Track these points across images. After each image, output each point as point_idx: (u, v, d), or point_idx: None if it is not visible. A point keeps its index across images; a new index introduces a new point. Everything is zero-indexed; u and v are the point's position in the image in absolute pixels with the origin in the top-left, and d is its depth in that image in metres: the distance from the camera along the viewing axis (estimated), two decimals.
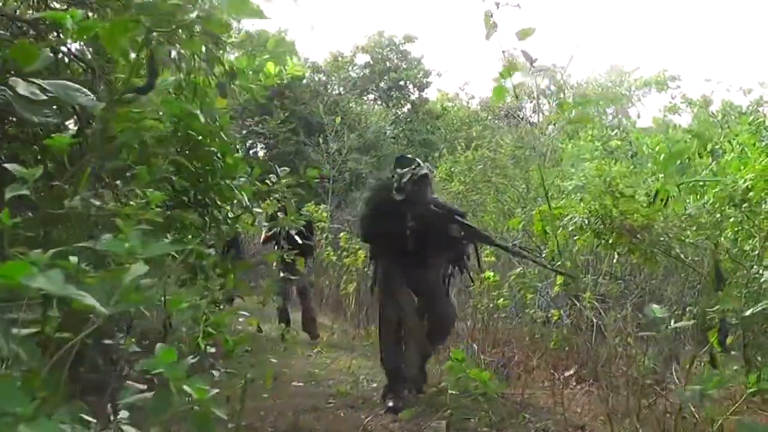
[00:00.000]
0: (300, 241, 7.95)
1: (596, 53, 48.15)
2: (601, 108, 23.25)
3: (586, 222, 4.65)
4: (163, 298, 2.31)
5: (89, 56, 3.10)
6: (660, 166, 1.89)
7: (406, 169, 5.19)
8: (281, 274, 7.66)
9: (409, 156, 5.64)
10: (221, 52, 3.35)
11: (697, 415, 3.58)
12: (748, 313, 2.26)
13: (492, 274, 6.38)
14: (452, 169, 10.42)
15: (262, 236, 9.23)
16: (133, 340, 2.21)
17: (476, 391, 2.96)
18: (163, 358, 1.61)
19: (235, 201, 3.51)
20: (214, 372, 3.10)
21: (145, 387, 1.78)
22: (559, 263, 5.65)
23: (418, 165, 5.25)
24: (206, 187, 3.58)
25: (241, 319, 7.91)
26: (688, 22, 48.65)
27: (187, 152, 3.48)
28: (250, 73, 3.96)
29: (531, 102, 24.68)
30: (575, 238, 5.11)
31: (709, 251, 4.67)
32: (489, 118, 24.50)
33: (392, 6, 52.53)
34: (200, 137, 3.45)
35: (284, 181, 3.66)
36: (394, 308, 5.34)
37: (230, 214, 3.63)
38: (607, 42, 47.23)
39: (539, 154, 15.79)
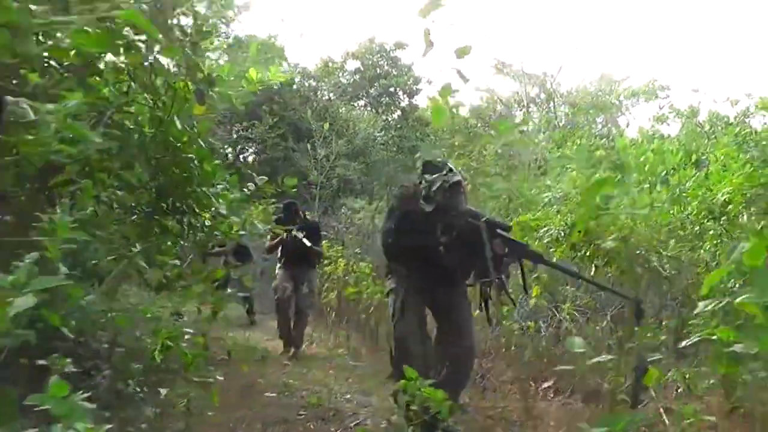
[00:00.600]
0: (308, 245, 8.00)
1: (587, 62, 48.29)
2: (591, 117, 23.29)
3: (562, 234, 4.63)
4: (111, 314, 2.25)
5: None
6: (582, 197, 1.80)
7: (436, 176, 4.54)
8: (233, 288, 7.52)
9: (439, 160, 4.92)
10: (200, 58, 3.33)
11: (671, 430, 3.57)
12: (683, 344, 2.17)
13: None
14: None
15: (267, 244, 8.95)
16: (68, 360, 2.08)
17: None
18: (53, 392, 1.53)
19: (212, 209, 3.49)
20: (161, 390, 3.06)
21: None
22: (536, 276, 5.50)
23: (450, 170, 4.58)
24: (184, 194, 3.56)
25: (231, 334, 7.96)
26: (677, 32, 48.87)
27: (166, 158, 3.48)
28: (232, 79, 3.95)
29: (521, 110, 24.84)
30: (551, 250, 5.05)
31: (687, 264, 4.68)
32: (479, 125, 24.54)
33: (383, 13, 52.67)
34: (178, 144, 3.45)
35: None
36: (410, 327, 4.58)
37: (207, 222, 3.60)
38: (598, 51, 47.39)
39: (529, 162, 15.85)
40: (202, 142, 3.48)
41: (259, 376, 6.26)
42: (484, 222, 4.21)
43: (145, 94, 3.14)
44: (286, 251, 8.53)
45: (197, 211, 3.64)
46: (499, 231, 4.31)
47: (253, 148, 20.70)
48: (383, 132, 23.46)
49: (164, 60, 3.23)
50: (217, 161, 3.71)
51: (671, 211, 5.64)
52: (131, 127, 3.42)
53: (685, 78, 46.90)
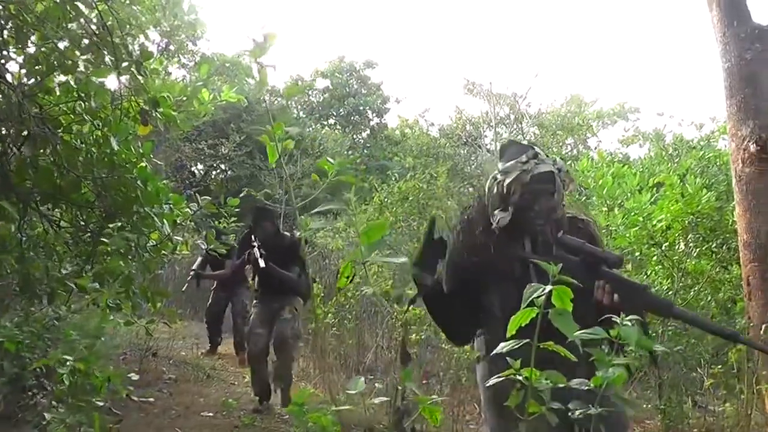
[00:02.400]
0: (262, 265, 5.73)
1: (557, 83, 48.93)
2: (560, 138, 23.44)
3: None
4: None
5: None
6: (363, 239, 1.74)
7: (512, 162, 2.76)
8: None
9: (523, 142, 3.02)
10: (145, 78, 3.35)
11: None
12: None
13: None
14: (386, 199, 10.25)
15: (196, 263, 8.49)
16: None
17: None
18: None
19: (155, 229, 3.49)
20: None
21: None
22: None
23: (536, 155, 2.76)
24: (130, 214, 3.57)
25: (183, 353, 7.88)
26: (647, 55, 49.71)
27: (112, 178, 3.48)
28: (184, 99, 3.96)
29: (490, 130, 25.02)
30: None
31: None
32: (448, 145, 24.68)
33: (353, 32, 53.00)
34: (126, 164, 3.46)
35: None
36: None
37: (151, 242, 3.60)
38: (568, 73, 48.03)
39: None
40: (146, 163, 3.49)
41: (200, 395, 6.14)
42: (577, 249, 2.64)
43: (86, 115, 3.14)
44: (262, 280, 6.30)
45: (144, 231, 3.64)
46: (604, 268, 2.61)
47: (219, 166, 20.65)
48: (351, 151, 23.54)
49: (113, 80, 3.27)
50: (164, 181, 3.72)
51: (626, 235, 5.72)
52: (77, 146, 3.44)
53: (654, 101, 47.70)
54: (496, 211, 2.75)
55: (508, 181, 2.73)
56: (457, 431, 5.20)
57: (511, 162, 2.75)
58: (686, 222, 5.09)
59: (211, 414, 5.58)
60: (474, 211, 2.88)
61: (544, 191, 2.73)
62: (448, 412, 5.14)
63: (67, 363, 3.00)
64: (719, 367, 4.68)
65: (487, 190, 2.84)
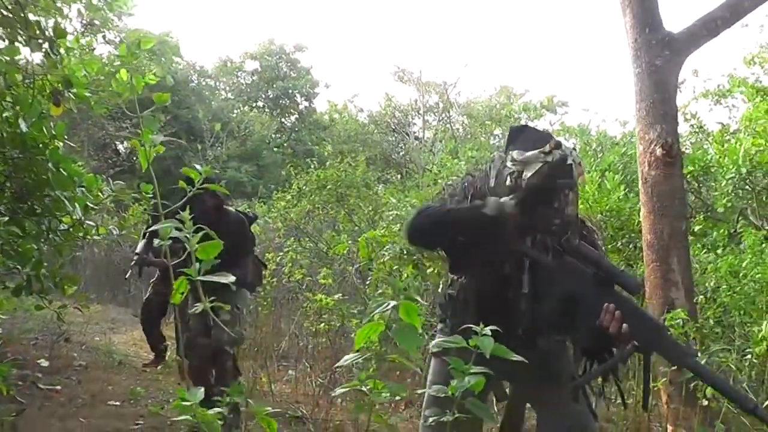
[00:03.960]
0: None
1: (488, 74, 49.44)
2: (488, 129, 23.65)
3: (405, 252, 4.59)
4: None
5: None
6: (200, 254, 1.67)
7: (533, 152, 2.43)
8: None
9: (538, 128, 2.82)
10: (59, 58, 3.25)
11: None
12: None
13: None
14: (304, 186, 10.08)
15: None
16: None
17: None
18: None
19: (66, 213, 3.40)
20: None
21: None
22: (381, 291, 5.02)
23: (559, 145, 2.44)
24: (41, 197, 3.47)
25: (97, 338, 7.70)
26: (576, 52, 50.66)
27: (23, 159, 3.38)
28: (102, 78, 3.86)
29: (419, 118, 25.16)
30: (395, 267, 4.97)
31: None
32: (376, 132, 24.74)
33: (283, 14, 52.50)
34: (39, 145, 3.36)
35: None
36: None
37: (63, 226, 3.51)
38: (499, 64, 48.60)
39: (423, 171, 16.05)
40: (60, 144, 3.40)
41: (110, 383, 5.96)
42: (595, 262, 2.34)
43: None
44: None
45: (56, 214, 3.54)
46: (620, 293, 2.30)
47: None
48: (279, 134, 23.37)
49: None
50: (80, 164, 3.62)
51: None
52: None
53: (582, 96, 48.68)
54: (504, 200, 2.38)
55: (527, 173, 2.42)
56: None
57: (532, 152, 2.42)
58: (596, 219, 5.20)
59: (118, 403, 5.41)
60: (473, 196, 2.51)
61: (565, 187, 2.42)
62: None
63: None
64: None
65: (492, 176, 2.52)
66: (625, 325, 2.19)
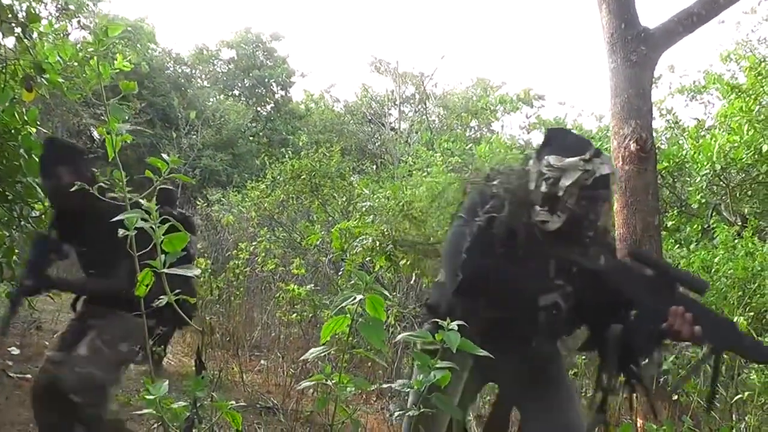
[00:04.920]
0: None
1: (465, 66, 49.52)
2: (464, 120, 23.67)
3: (378, 244, 4.60)
4: None
5: None
6: (166, 246, 1.58)
7: (571, 159, 2.31)
8: None
9: (577, 133, 2.70)
10: (31, 43, 3.22)
11: None
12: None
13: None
14: (278, 176, 10.12)
15: None
16: None
17: None
18: None
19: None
20: None
21: None
22: (353, 282, 5.15)
23: (599, 154, 2.33)
24: (13, 183, 3.44)
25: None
26: (554, 46, 50.90)
27: None
28: (75, 64, 3.82)
29: (395, 108, 25.15)
30: (368, 259, 4.99)
31: None
32: (352, 122, 24.71)
33: (260, 3, 52.18)
34: (9, 131, 3.32)
35: None
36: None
37: (34, 213, 3.48)
38: (476, 56, 48.69)
39: (398, 162, 16.06)
40: (32, 130, 3.37)
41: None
42: (655, 264, 2.36)
43: None
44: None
45: (28, 201, 3.52)
46: (688, 294, 2.28)
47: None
48: (254, 123, 23.25)
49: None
50: None
51: None
52: None
53: (558, 90, 48.93)
54: (538, 208, 2.34)
55: (566, 182, 2.30)
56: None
57: (571, 159, 2.30)
58: None
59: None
60: (510, 201, 2.39)
61: (601, 198, 2.37)
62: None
63: None
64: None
65: (530, 181, 2.39)
66: (697, 327, 2.14)
